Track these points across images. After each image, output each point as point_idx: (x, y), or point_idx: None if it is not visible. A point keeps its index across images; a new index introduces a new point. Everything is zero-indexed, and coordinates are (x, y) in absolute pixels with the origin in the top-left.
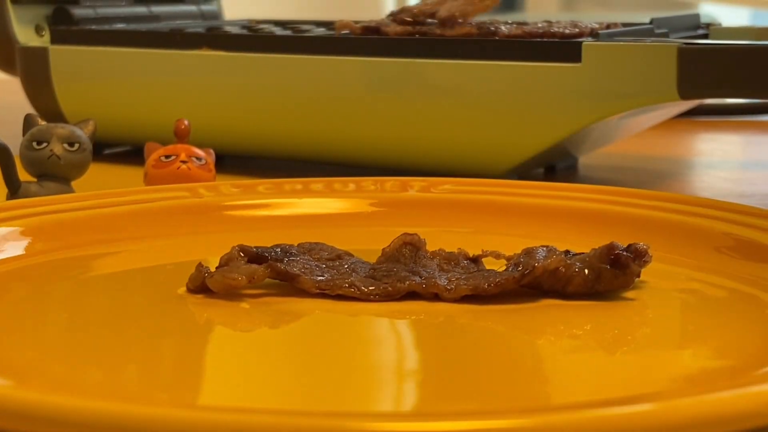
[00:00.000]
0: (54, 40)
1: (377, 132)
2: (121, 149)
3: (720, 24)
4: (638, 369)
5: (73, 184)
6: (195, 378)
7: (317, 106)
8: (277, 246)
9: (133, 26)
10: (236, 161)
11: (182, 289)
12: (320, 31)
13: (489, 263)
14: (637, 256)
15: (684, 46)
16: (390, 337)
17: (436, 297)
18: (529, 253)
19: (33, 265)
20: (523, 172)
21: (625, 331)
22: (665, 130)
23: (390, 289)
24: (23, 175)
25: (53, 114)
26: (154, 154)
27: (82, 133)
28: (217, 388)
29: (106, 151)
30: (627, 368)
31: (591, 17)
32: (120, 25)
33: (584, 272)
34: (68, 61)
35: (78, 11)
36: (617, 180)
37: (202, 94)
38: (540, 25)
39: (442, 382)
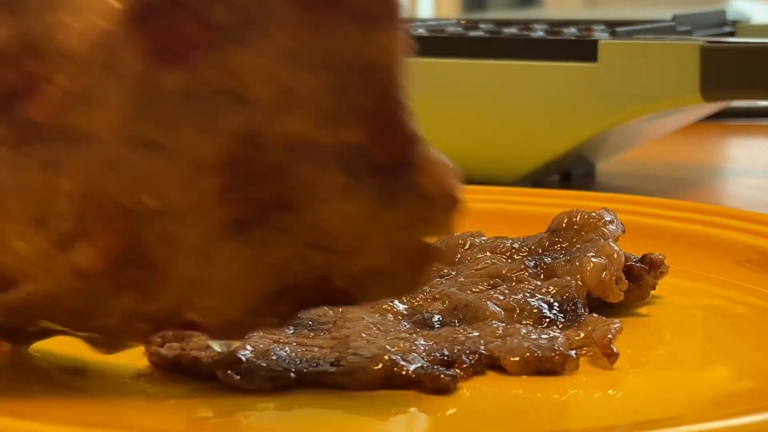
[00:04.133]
0: None
1: None
2: None
3: (749, 21)
4: (652, 392)
5: None
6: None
7: None
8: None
9: None
10: None
11: None
12: None
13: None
14: (652, 267)
15: (707, 44)
16: None
17: None
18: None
19: None
20: (537, 179)
21: (639, 352)
22: (689, 134)
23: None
24: None
25: None
26: None
27: None
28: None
29: None
30: (640, 391)
31: (612, 13)
32: None
33: None
34: None
35: None
36: (637, 188)
37: None
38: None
39: (451, 401)
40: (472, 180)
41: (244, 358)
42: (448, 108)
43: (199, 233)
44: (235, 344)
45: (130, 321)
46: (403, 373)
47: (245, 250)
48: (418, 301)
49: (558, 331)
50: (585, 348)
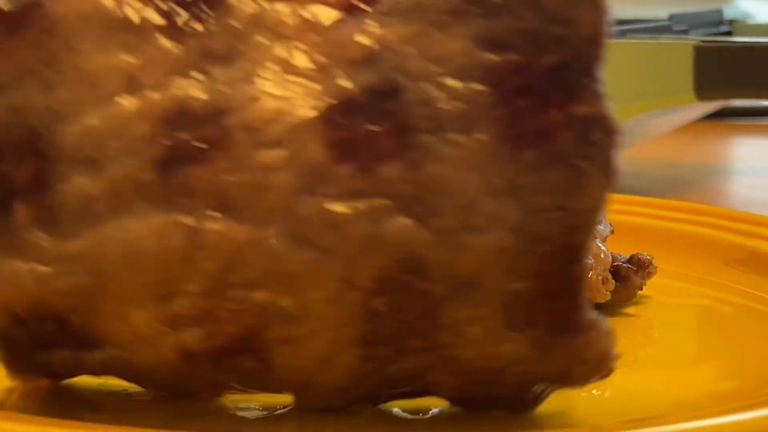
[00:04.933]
0: None
1: None
2: None
3: (746, 21)
4: (640, 391)
5: None
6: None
7: None
8: None
9: None
10: None
11: None
12: None
13: None
14: (640, 267)
15: (701, 44)
16: None
17: None
18: None
19: None
20: None
21: (627, 351)
22: (689, 133)
23: None
24: None
25: None
26: None
27: None
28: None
29: None
30: (627, 390)
31: (615, 11)
32: None
33: None
34: None
35: None
36: (636, 187)
37: None
38: None
39: (436, 402)
40: None
41: None
42: None
43: (327, 343)
44: None
45: (215, 388)
46: None
47: (368, 363)
48: None
49: None
50: None
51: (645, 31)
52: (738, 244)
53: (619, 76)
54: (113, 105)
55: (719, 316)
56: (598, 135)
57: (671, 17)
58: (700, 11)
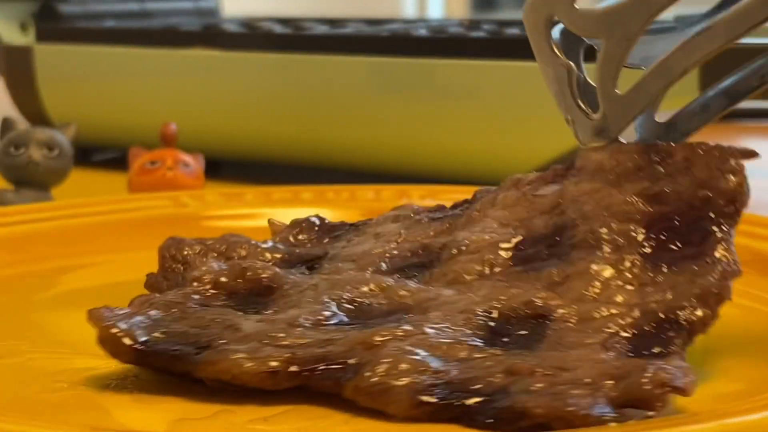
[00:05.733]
0: (39, 38)
1: (383, 136)
2: (112, 155)
3: None
4: None
5: (55, 191)
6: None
7: (319, 109)
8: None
9: (123, 23)
10: (233, 167)
11: None
12: (323, 28)
13: None
14: None
15: None
16: None
17: None
18: None
19: None
20: None
21: None
22: (697, 135)
23: None
24: (0, 182)
25: (37, 117)
26: (139, 160)
27: (63, 138)
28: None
29: (98, 158)
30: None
31: None
32: (110, 23)
33: None
34: (54, 61)
35: (65, 7)
36: None
37: (196, 96)
38: None
39: None
40: (472, 180)
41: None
42: (449, 108)
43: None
44: None
45: None
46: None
47: None
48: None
49: None
50: None
51: (652, 33)
52: (743, 246)
53: (627, 77)
54: None
55: (725, 318)
56: (719, 268)
57: (677, 19)
58: (706, 13)
